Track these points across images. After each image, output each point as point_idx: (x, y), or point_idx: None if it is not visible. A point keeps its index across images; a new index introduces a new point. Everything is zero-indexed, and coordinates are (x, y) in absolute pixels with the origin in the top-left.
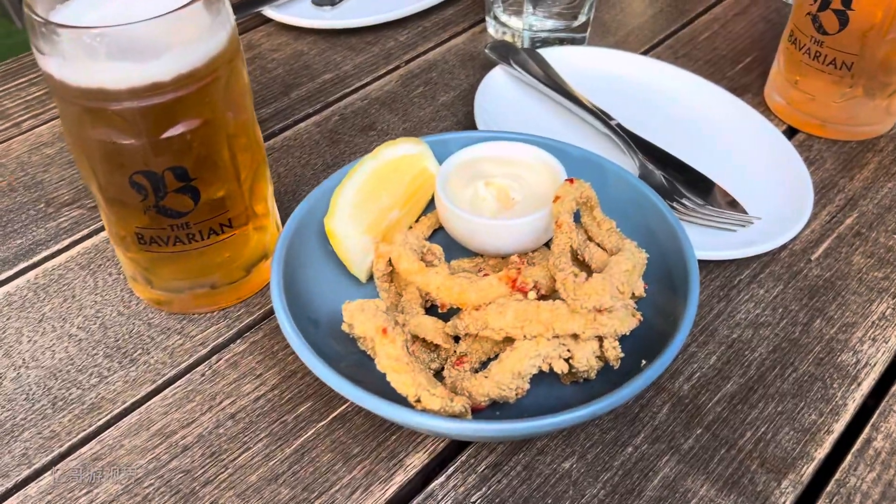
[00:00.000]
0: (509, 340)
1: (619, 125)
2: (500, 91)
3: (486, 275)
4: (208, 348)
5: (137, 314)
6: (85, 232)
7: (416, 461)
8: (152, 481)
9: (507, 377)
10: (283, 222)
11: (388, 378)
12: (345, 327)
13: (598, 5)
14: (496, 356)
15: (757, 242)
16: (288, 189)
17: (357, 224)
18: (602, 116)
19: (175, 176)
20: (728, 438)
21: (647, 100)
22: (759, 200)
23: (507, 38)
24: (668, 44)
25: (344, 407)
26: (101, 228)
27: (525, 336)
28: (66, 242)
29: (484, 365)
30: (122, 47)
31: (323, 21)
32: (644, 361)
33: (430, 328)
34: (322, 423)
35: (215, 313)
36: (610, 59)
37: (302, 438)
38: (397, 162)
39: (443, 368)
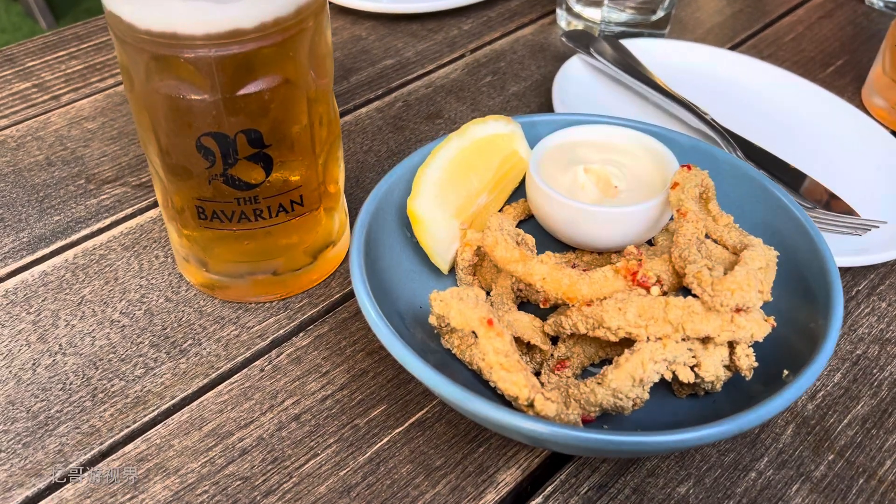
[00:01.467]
0: (625, 343)
1: (713, 120)
2: (580, 80)
3: (584, 270)
4: (267, 341)
5: (188, 301)
6: (129, 211)
7: (509, 478)
8: (206, 487)
9: (626, 384)
10: (349, 209)
11: (495, 377)
12: (433, 319)
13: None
14: (601, 362)
15: (872, 251)
16: (350, 175)
17: (444, 207)
18: (695, 110)
19: (248, 141)
20: (866, 467)
21: (739, 96)
22: (873, 208)
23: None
24: (752, 43)
25: (422, 412)
26: (147, 208)
27: (648, 337)
28: (107, 221)
29: (585, 372)
30: None
31: (382, 5)
32: (786, 372)
33: (527, 326)
34: (399, 429)
35: (275, 303)
36: (695, 52)
37: (377, 446)
38: (486, 141)
39: (537, 374)
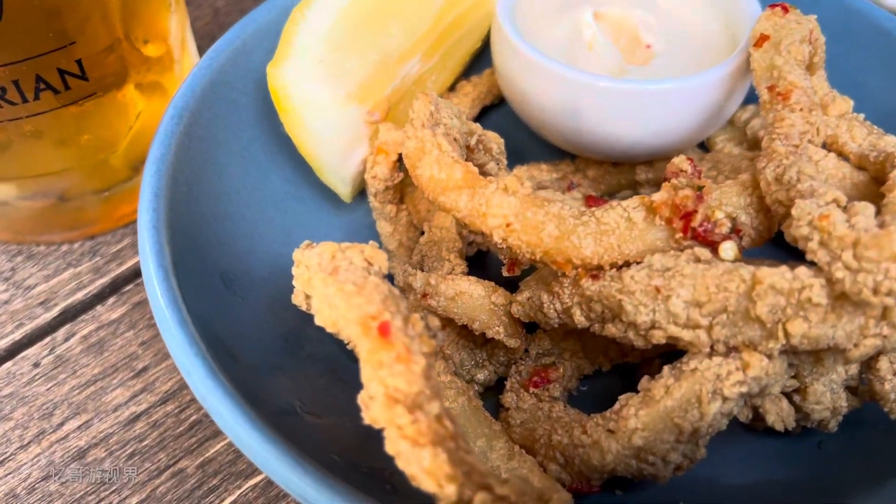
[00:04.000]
0: (664, 348)
1: None
2: None
3: (591, 199)
4: (54, 312)
5: None
6: None
7: None
8: None
9: (665, 438)
10: None
11: (391, 450)
12: (297, 299)
13: None
14: (615, 370)
15: None
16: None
17: (336, 80)
18: None
19: None
20: None
21: None
22: None
23: None
24: None
25: None
26: None
27: (713, 346)
28: None
29: (584, 384)
30: None
31: None
32: None
33: (482, 305)
34: (252, 481)
35: (77, 246)
36: None
37: None
38: None
39: (500, 383)
